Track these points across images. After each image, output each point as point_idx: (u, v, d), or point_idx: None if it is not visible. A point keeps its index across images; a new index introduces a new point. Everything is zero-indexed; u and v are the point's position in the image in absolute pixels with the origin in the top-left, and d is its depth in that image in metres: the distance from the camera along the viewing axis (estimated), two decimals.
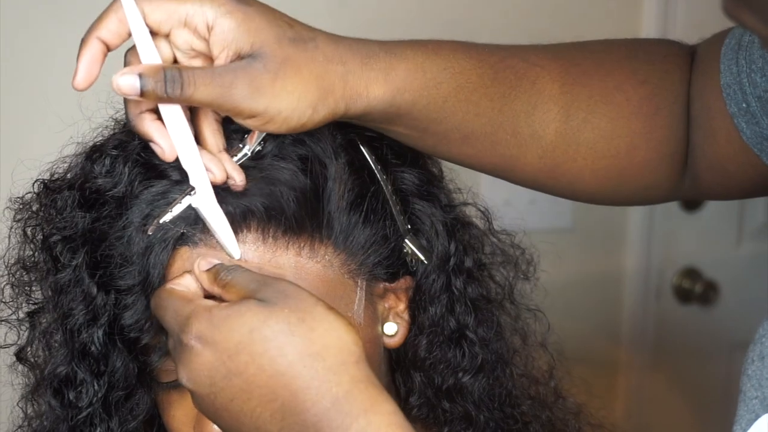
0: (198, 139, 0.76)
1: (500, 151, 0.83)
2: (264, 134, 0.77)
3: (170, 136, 0.74)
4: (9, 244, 0.85)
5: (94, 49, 0.72)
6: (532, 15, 1.59)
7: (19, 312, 0.87)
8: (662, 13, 1.67)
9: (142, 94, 0.70)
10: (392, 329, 0.85)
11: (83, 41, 0.72)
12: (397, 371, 0.89)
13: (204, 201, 0.75)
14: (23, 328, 0.87)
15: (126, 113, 0.76)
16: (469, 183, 0.92)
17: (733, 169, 0.86)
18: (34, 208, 0.84)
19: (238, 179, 0.76)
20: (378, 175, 0.82)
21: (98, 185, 0.79)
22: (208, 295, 0.73)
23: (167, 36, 0.73)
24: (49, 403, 0.82)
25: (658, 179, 0.88)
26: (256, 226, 0.77)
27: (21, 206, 0.85)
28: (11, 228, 0.85)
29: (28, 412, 0.89)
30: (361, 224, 0.81)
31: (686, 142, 0.87)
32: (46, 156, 0.86)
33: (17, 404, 0.90)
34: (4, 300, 0.87)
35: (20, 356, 0.87)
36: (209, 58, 0.73)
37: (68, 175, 0.83)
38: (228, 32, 0.71)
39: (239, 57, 0.71)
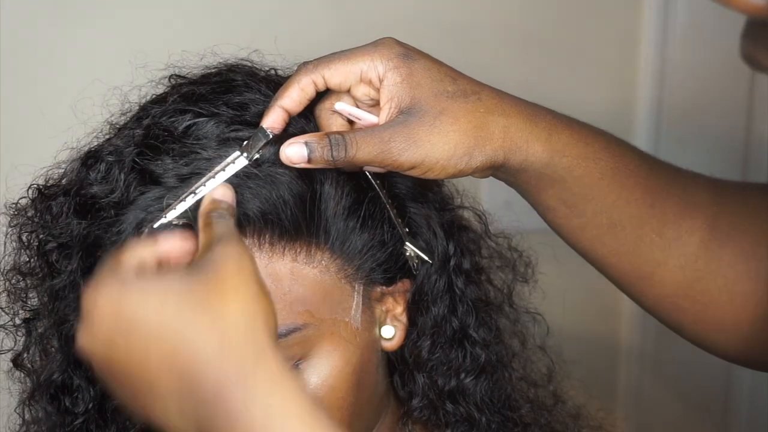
0: None
1: (643, 250, 0.82)
2: (263, 142, 0.77)
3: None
4: (5, 250, 0.85)
5: (276, 117, 0.77)
6: (530, 15, 1.58)
7: (16, 318, 0.87)
8: (662, 13, 1.66)
9: (309, 160, 0.75)
10: (390, 332, 0.85)
11: (267, 111, 0.77)
12: (396, 374, 0.88)
13: None
14: (20, 333, 0.87)
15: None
16: (468, 185, 0.91)
17: None
18: (29, 214, 0.84)
19: None
20: (372, 180, 0.82)
21: (93, 192, 0.79)
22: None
23: (348, 91, 0.78)
24: (45, 409, 0.82)
25: None
26: (252, 231, 0.76)
27: (16, 212, 0.85)
28: (6, 234, 0.85)
29: (26, 417, 0.89)
30: (359, 229, 0.80)
31: None
32: (41, 161, 0.86)
33: (15, 410, 0.90)
34: (0, 306, 0.87)
35: (17, 362, 0.87)
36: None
37: (63, 181, 0.83)
38: (393, 86, 0.77)
39: (400, 109, 0.76)
